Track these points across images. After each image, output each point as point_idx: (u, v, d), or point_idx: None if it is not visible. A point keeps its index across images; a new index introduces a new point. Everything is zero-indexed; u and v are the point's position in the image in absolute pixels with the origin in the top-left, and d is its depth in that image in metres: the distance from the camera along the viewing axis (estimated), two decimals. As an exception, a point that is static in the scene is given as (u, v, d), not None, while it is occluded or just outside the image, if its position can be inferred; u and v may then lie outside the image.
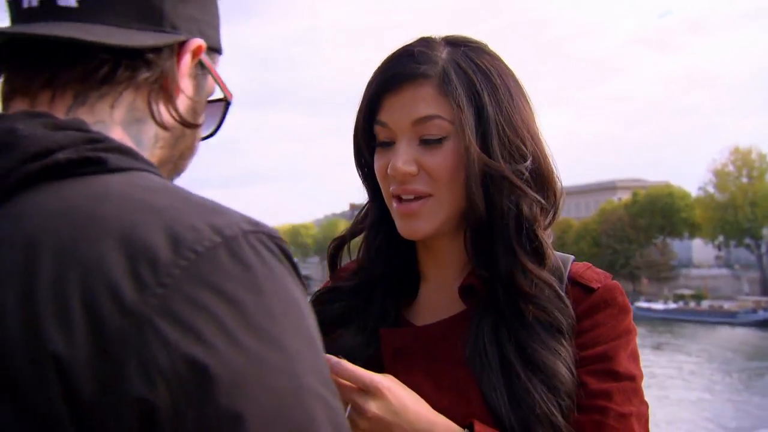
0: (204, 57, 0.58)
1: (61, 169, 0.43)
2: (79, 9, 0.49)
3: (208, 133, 0.66)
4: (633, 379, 0.77)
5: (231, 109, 0.65)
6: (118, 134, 0.51)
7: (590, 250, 48.15)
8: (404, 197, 0.79)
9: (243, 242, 0.43)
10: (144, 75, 0.52)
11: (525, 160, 0.79)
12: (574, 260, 0.84)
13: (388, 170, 0.79)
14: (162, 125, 0.55)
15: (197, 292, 0.39)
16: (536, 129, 0.83)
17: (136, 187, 0.45)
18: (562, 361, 0.74)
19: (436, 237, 0.82)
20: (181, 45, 0.55)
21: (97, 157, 0.44)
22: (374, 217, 0.88)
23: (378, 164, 0.82)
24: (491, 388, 0.73)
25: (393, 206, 0.81)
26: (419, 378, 0.77)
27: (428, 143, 0.78)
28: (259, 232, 0.45)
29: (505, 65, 0.83)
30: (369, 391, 0.69)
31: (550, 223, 0.83)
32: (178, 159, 0.60)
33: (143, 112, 0.54)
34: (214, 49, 0.61)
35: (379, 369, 0.75)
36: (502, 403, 0.72)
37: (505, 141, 0.78)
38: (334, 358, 0.70)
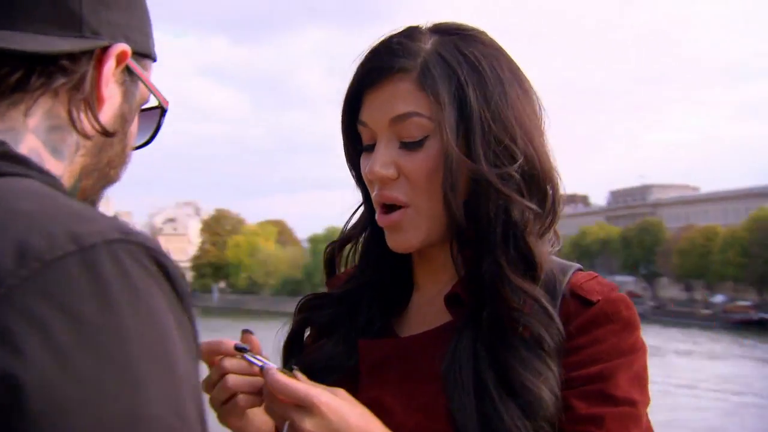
0: (132, 63, 0.57)
1: None
2: None
3: (142, 141, 0.66)
4: (633, 405, 0.68)
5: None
6: (30, 141, 0.51)
7: (737, 260, 45.46)
8: (386, 203, 0.74)
9: (103, 252, 0.39)
10: (60, 81, 0.51)
11: (515, 161, 0.71)
12: (578, 269, 0.76)
13: (367, 173, 0.74)
14: (82, 133, 0.54)
15: (33, 304, 0.36)
16: (532, 125, 0.74)
17: (2, 191, 0.43)
18: (544, 383, 0.67)
19: (429, 244, 0.76)
20: (104, 50, 0.54)
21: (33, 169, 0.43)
22: (365, 222, 0.83)
23: (362, 168, 0.76)
24: (461, 409, 0.67)
25: (378, 215, 0.76)
26: (391, 393, 0.73)
27: (408, 145, 0.72)
28: (129, 242, 0.41)
29: (503, 55, 0.75)
30: (305, 406, 0.63)
31: (547, 229, 0.75)
32: (105, 167, 0.59)
33: (62, 120, 0.53)
34: (145, 55, 0.60)
35: (357, 381, 0.75)
36: (471, 426, 0.66)
37: (491, 140, 0.70)
38: (269, 367, 0.67)
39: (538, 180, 0.73)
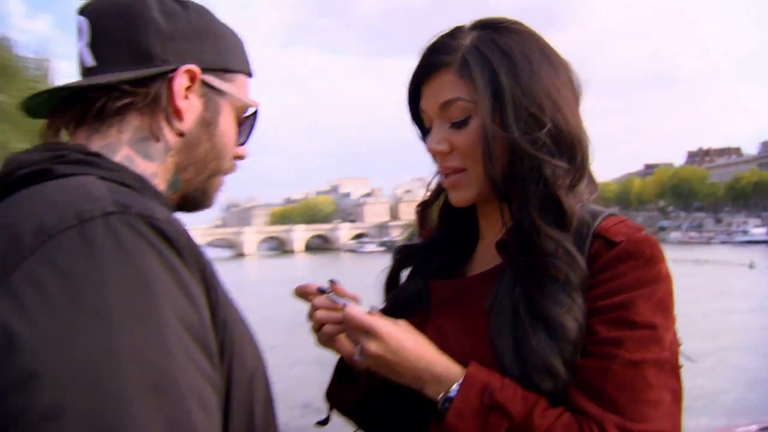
0: (209, 77, 0.72)
1: (21, 181, 0.58)
2: (96, 66, 0.69)
3: (242, 140, 0.82)
4: (653, 328, 0.75)
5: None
6: (124, 151, 0.68)
7: None
8: (446, 172, 0.88)
9: (98, 223, 0.49)
10: (135, 102, 0.67)
11: (544, 126, 0.80)
12: (609, 215, 0.84)
13: (428, 150, 0.89)
14: (165, 139, 0.70)
15: (37, 269, 0.46)
16: (560, 96, 0.84)
17: (57, 187, 0.56)
18: (567, 312, 0.76)
19: (485, 201, 0.89)
20: (173, 72, 0.69)
21: (46, 169, 0.58)
22: (439, 187, 0.99)
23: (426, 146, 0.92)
24: (499, 336, 0.79)
25: (442, 178, 0.92)
26: (451, 324, 0.87)
27: (456, 125, 0.85)
28: (127, 213, 0.51)
29: (534, 40, 0.87)
30: (368, 333, 0.78)
31: (577, 182, 0.85)
32: (201, 162, 0.74)
33: (149, 131, 0.69)
34: (225, 70, 0.75)
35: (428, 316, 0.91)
36: (507, 349, 0.77)
37: (521, 111, 0.81)
38: (347, 304, 0.83)
39: (566, 141, 0.82)
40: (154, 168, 0.71)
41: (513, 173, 0.83)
